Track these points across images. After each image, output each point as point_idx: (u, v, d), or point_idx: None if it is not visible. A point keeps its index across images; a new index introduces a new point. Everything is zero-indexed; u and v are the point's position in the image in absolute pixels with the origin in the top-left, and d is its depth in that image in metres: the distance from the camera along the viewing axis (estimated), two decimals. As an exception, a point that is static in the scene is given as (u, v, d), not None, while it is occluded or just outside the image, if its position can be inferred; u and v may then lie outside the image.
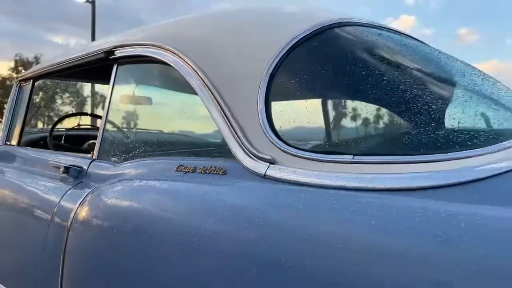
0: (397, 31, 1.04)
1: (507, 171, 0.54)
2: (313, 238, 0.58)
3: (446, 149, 0.60)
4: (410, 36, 1.07)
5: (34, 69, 1.79)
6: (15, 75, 39.59)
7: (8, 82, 39.37)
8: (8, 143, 1.78)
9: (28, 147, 1.73)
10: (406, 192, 0.58)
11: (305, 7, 1.01)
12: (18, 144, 1.72)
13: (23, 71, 42.86)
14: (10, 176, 1.49)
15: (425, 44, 1.13)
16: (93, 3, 14.14)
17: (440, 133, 0.67)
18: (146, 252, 0.82)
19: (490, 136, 0.64)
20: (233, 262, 0.66)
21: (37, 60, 39.35)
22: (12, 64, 39.39)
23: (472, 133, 0.64)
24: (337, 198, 0.62)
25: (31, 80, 1.76)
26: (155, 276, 0.78)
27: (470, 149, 0.59)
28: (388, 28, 1.02)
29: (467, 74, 0.96)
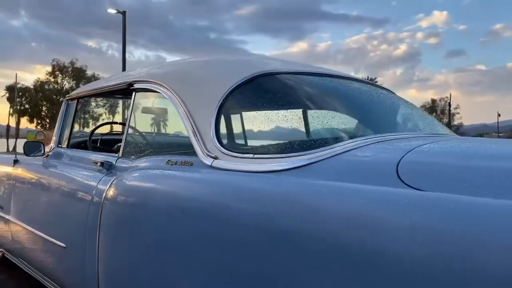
0: (309, 73, 1.58)
1: (321, 160, 1.09)
2: (227, 194, 1.14)
3: (297, 150, 1.16)
4: (320, 74, 1.61)
5: (78, 91, 2.43)
6: (52, 79, 41.79)
7: (46, 86, 41.55)
8: (59, 145, 2.42)
9: (74, 149, 2.36)
10: (273, 172, 1.13)
11: (250, 59, 1.57)
12: (67, 146, 2.35)
13: (59, 75, 44.13)
14: (63, 169, 2.12)
15: (335, 77, 1.66)
16: (124, 14, 15.11)
17: (296, 142, 1.23)
18: (151, 214, 1.38)
19: (322, 143, 1.18)
20: (191, 211, 1.22)
21: (72, 64, 41.29)
22: (48, 68, 41.53)
23: (312, 142, 1.19)
24: (243, 176, 1.18)
25: (76, 99, 2.40)
26: (156, 226, 1.36)
27: (308, 150, 1.14)
28: (302, 72, 1.56)
29: (355, 97, 1.50)
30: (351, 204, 0.88)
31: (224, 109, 1.39)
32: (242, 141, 1.46)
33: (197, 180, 1.30)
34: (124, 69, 15.89)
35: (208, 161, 1.32)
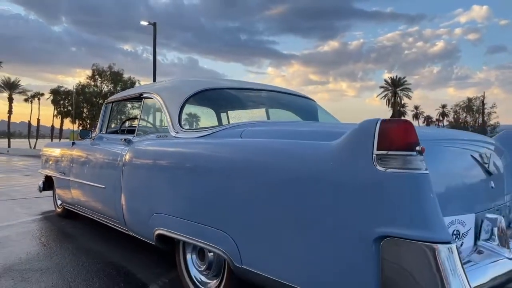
0: (236, 88, 2.86)
1: (218, 131, 2.38)
2: (179, 147, 2.45)
3: (211, 128, 2.46)
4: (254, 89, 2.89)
5: (113, 97, 3.83)
6: (92, 83, 44.78)
7: (86, 89, 44.55)
8: (101, 132, 3.83)
9: (110, 134, 3.76)
10: (200, 137, 2.44)
11: (203, 80, 2.89)
12: (105, 133, 3.76)
13: (99, 79, 46.41)
14: (103, 145, 3.51)
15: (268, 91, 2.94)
16: (154, 25, 16.79)
17: (212, 125, 2.52)
18: (148, 162, 2.70)
19: (224, 124, 2.45)
20: (166, 156, 2.54)
21: (110, 68, 44.01)
22: (88, 72, 44.38)
23: (219, 124, 2.48)
24: (186, 139, 2.49)
25: (111, 103, 3.80)
26: (151, 169, 2.68)
27: (215, 128, 2.44)
28: (232, 87, 2.85)
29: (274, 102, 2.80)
30: (221, 143, 2.16)
31: (183, 107, 2.71)
32: (191, 124, 2.78)
33: (169, 142, 2.62)
34: (154, 75, 17.72)
35: (174, 134, 2.64)
